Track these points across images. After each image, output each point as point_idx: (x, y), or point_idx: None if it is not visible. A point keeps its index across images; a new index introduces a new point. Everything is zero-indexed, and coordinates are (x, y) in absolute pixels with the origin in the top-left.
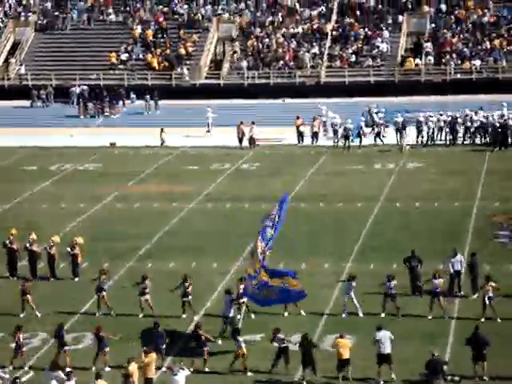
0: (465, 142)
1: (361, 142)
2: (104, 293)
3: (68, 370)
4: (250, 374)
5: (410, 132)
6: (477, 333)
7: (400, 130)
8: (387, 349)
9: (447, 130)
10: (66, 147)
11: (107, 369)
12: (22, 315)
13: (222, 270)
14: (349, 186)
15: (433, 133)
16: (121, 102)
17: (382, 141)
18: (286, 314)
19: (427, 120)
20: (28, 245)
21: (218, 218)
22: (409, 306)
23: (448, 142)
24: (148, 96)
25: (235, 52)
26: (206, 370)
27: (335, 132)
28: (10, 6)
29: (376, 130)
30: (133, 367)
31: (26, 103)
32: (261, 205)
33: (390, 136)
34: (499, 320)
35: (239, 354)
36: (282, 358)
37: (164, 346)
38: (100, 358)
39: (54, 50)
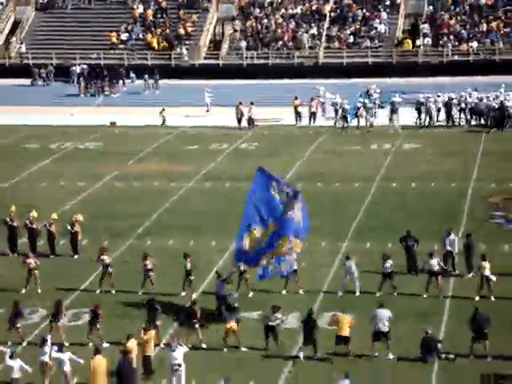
0: (460, 124)
1: (358, 122)
2: (110, 269)
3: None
4: (243, 349)
5: (407, 113)
6: (477, 312)
7: (394, 110)
8: (385, 327)
9: (444, 111)
10: (67, 126)
11: (106, 344)
12: (23, 291)
13: (221, 248)
14: (346, 166)
15: (431, 114)
16: (121, 82)
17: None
18: (283, 291)
19: (427, 101)
20: (28, 222)
21: (216, 197)
22: (404, 285)
23: (445, 123)
24: (147, 75)
25: (235, 30)
26: (203, 346)
27: (336, 112)
28: None
29: (374, 110)
30: (131, 344)
31: (27, 82)
32: None
33: (382, 116)
34: (493, 298)
35: (229, 330)
36: (270, 336)
37: (159, 322)
38: (94, 333)
39: (54, 29)
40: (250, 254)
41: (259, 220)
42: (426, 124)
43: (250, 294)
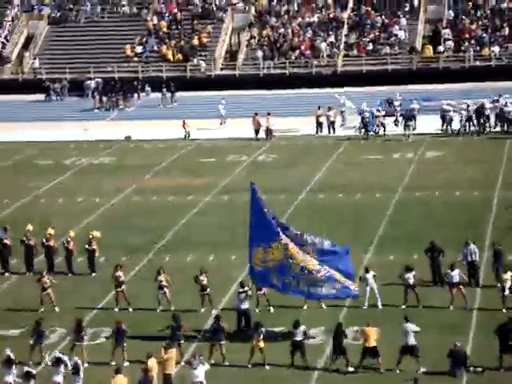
0: (486, 130)
1: (379, 131)
2: (123, 287)
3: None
4: (267, 367)
5: (429, 121)
6: (504, 323)
7: (411, 117)
8: (412, 340)
9: (473, 118)
10: (82, 141)
11: (126, 363)
12: (41, 310)
13: (241, 262)
14: (367, 176)
15: (464, 121)
16: (136, 95)
17: (384, 130)
18: (305, 306)
19: (453, 108)
20: (45, 240)
21: (235, 211)
22: (430, 297)
23: (471, 130)
24: (164, 88)
25: (252, 37)
26: (226, 363)
27: (363, 120)
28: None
29: (394, 118)
30: (152, 362)
31: (41, 97)
32: (279, 196)
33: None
34: None
35: (255, 347)
36: (298, 352)
37: (182, 340)
38: (118, 353)
39: (67, 43)
40: (257, 273)
41: (259, 239)
42: (457, 131)
43: (271, 310)
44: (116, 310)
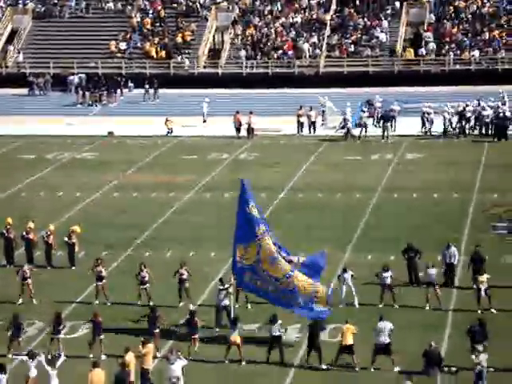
0: (471, 133)
1: (361, 132)
2: (104, 281)
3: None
4: (243, 363)
5: (408, 123)
6: (472, 325)
7: (391, 118)
8: (386, 339)
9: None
10: (64, 136)
11: (103, 357)
12: (20, 301)
13: (220, 259)
14: (347, 177)
15: (446, 124)
16: (119, 91)
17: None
18: None
19: (434, 111)
20: (25, 233)
21: (215, 208)
22: (406, 297)
23: (452, 133)
24: (147, 85)
25: (236, 36)
26: (191, 358)
27: (345, 121)
28: None
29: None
30: (129, 356)
31: (24, 91)
32: (259, 194)
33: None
34: (494, 311)
35: (232, 343)
36: (275, 348)
37: (158, 331)
38: (96, 346)
39: (52, 37)
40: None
41: (241, 236)
42: (443, 133)
43: (249, 306)
44: (96, 302)
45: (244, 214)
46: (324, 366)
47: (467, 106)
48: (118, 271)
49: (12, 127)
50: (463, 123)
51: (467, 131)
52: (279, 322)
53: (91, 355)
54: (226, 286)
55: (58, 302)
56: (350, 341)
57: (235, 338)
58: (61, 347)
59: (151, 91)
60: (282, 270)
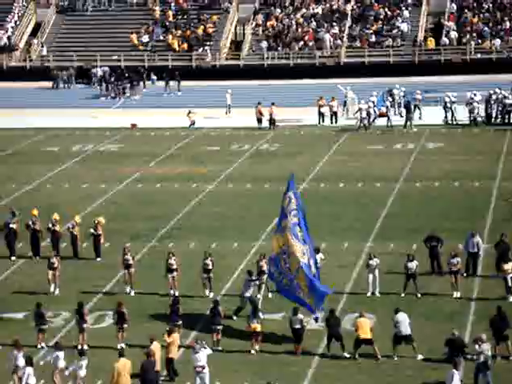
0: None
1: (388, 121)
2: (131, 269)
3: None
4: (253, 351)
5: (431, 112)
6: (499, 313)
7: (415, 107)
8: (407, 330)
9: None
10: (88, 128)
11: (121, 345)
12: (51, 290)
13: (242, 250)
14: (369, 166)
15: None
16: (141, 84)
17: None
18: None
19: (456, 100)
20: (51, 225)
21: (238, 199)
22: (429, 286)
23: (477, 121)
24: (168, 77)
25: (257, 28)
26: (219, 348)
27: (368, 113)
28: None
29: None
30: (155, 346)
31: (48, 84)
32: (281, 185)
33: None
34: None
35: (254, 331)
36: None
37: (180, 322)
38: (121, 336)
39: (75, 31)
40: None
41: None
42: (473, 121)
43: (270, 295)
44: (126, 291)
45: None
46: (347, 355)
47: (492, 94)
48: (143, 262)
49: (36, 120)
50: (489, 111)
51: (492, 119)
52: (300, 315)
53: (118, 345)
54: (253, 277)
55: (83, 292)
56: (367, 335)
57: (255, 326)
58: (85, 338)
59: (172, 83)
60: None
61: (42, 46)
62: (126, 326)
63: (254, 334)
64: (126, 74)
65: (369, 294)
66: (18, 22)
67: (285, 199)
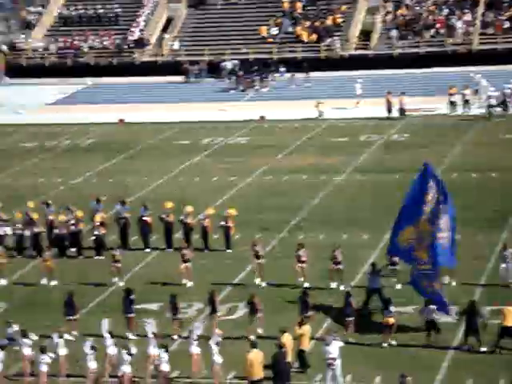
0: None
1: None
2: (261, 261)
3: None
4: (385, 344)
5: None
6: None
7: None
8: None
9: None
10: (218, 121)
11: (259, 331)
12: (183, 282)
13: (373, 242)
14: (503, 156)
15: None
16: (270, 76)
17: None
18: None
19: None
20: (183, 217)
21: (367, 190)
22: None
23: None
24: (295, 69)
25: (387, 16)
26: (351, 340)
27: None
28: None
29: None
30: (286, 338)
31: (180, 79)
32: (412, 176)
33: None
34: None
35: (388, 324)
36: (432, 330)
37: (310, 314)
38: (253, 327)
39: (206, 25)
40: (403, 250)
41: (411, 218)
42: None
43: (399, 286)
44: (256, 282)
45: (416, 195)
46: (484, 349)
47: None
48: (273, 253)
49: (168, 114)
50: None
51: None
52: (433, 306)
53: (251, 337)
54: (379, 267)
55: (214, 283)
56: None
57: (388, 319)
58: (216, 327)
59: (299, 75)
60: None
61: (174, 41)
62: (259, 315)
63: (386, 327)
64: (255, 67)
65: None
66: (149, 18)
67: (428, 189)
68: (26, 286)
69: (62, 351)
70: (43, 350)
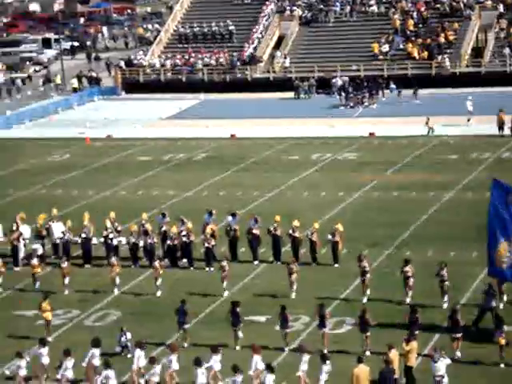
0: None
1: None
2: (367, 276)
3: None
4: (501, 365)
5: None
6: None
7: None
8: None
9: None
10: (327, 137)
11: (367, 353)
12: (292, 295)
13: (481, 259)
14: None
15: None
16: (380, 92)
17: None
18: None
19: None
20: (291, 231)
21: (476, 208)
22: None
23: None
24: (404, 86)
25: (500, 34)
26: (456, 357)
27: None
28: (277, 1)
29: None
30: (393, 354)
31: (290, 95)
32: None
33: None
34: None
35: (500, 344)
36: None
37: (417, 330)
38: (363, 341)
39: (316, 42)
40: (501, 269)
41: (504, 233)
42: None
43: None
44: (364, 301)
45: (500, 209)
46: None
47: None
48: (380, 269)
49: (278, 129)
50: None
51: None
52: None
53: (367, 353)
54: (493, 289)
55: (320, 298)
56: None
57: (501, 339)
58: (326, 342)
59: (409, 91)
60: None
61: (285, 58)
62: (368, 333)
63: (498, 347)
64: (365, 84)
65: None
66: (262, 35)
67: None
68: (139, 295)
69: (175, 366)
70: (152, 361)
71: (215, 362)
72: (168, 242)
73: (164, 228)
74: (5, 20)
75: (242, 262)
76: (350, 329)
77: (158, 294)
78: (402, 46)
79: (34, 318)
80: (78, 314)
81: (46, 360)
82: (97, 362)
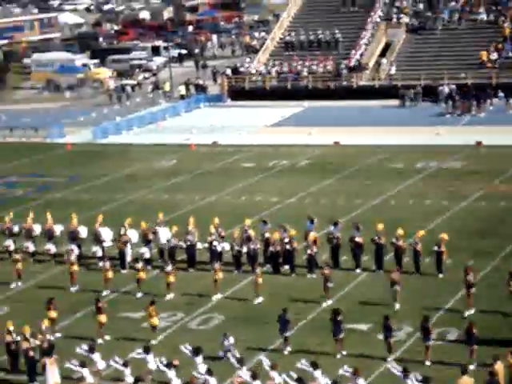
0: None
1: None
2: (473, 289)
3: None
4: None
5: None
6: None
7: None
8: None
9: None
10: (432, 145)
11: (471, 367)
12: (397, 306)
13: None
14: None
15: None
16: (488, 101)
17: None
18: None
19: None
20: (394, 240)
21: None
22: None
23: None
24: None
25: None
26: None
27: None
28: (384, 9)
29: None
30: (499, 366)
31: (395, 103)
32: None
33: None
34: None
35: None
36: None
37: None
38: (468, 352)
39: (423, 50)
40: None
41: None
42: None
43: None
44: (470, 312)
45: None
46: None
47: None
48: (486, 280)
49: (383, 137)
50: None
51: None
52: None
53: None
54: None
55: (424, 308)
56: None
57: None
58: (429, 353)
59: None
60: None
61: (391, 65)
62: (475, 347)
63: None
64: (473, 92)
65: None
66: (369, 42)
67: None
68: (240, 300)
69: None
70: (241, 362)
71: (319, 375)
72: (270, 248)
73: (267, 235)
74: (116, 28)
75: (344, 269)
76: (454, 340)
77: (260, 300)
78: (511, 54)
79: (141, 321)
80: (182, 316)
81: (152, 366)
82: (202, 368)
